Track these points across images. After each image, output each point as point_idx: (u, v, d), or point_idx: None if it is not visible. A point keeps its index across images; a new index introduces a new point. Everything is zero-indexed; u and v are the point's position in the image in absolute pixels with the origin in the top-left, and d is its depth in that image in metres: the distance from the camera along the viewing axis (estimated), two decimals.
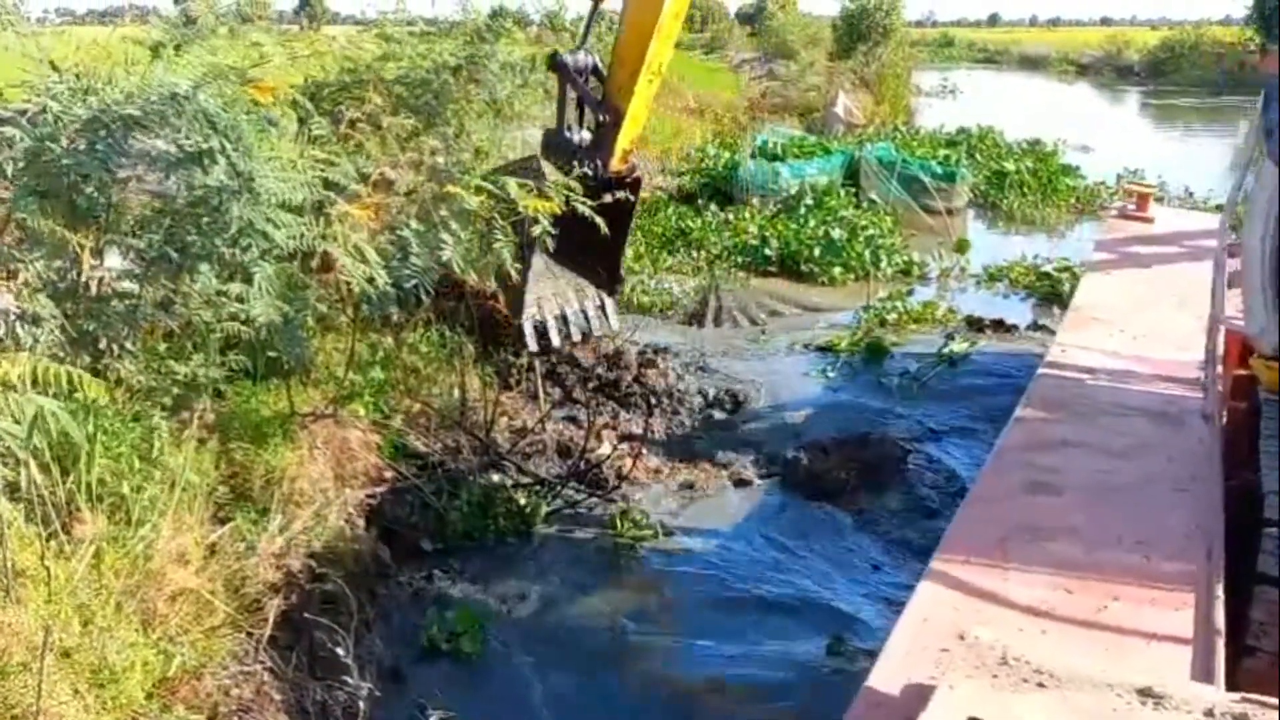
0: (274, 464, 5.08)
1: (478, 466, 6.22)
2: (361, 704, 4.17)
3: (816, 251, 12.04)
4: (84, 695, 3.57)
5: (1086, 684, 2.45)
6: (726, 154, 17.86)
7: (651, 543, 6.03)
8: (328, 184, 5.09)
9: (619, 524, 6.06)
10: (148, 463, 4.52)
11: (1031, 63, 58.78)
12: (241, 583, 4.42)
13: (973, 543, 3.43)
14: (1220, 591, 3.06)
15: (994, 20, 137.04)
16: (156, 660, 3.95)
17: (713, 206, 14.51)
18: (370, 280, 4.61)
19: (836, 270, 11.87)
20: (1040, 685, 2.45)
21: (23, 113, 4.42)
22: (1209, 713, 2.28)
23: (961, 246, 12.90)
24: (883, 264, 12.10)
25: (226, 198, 4.61)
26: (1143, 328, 5.81)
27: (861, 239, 12.40)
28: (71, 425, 3.13)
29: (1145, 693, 2.39)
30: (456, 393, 6.86)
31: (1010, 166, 17.59)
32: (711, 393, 8.44)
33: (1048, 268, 11.87)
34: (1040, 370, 5.29)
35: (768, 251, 12.22)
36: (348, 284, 5.13)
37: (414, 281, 4.83)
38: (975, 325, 10.03)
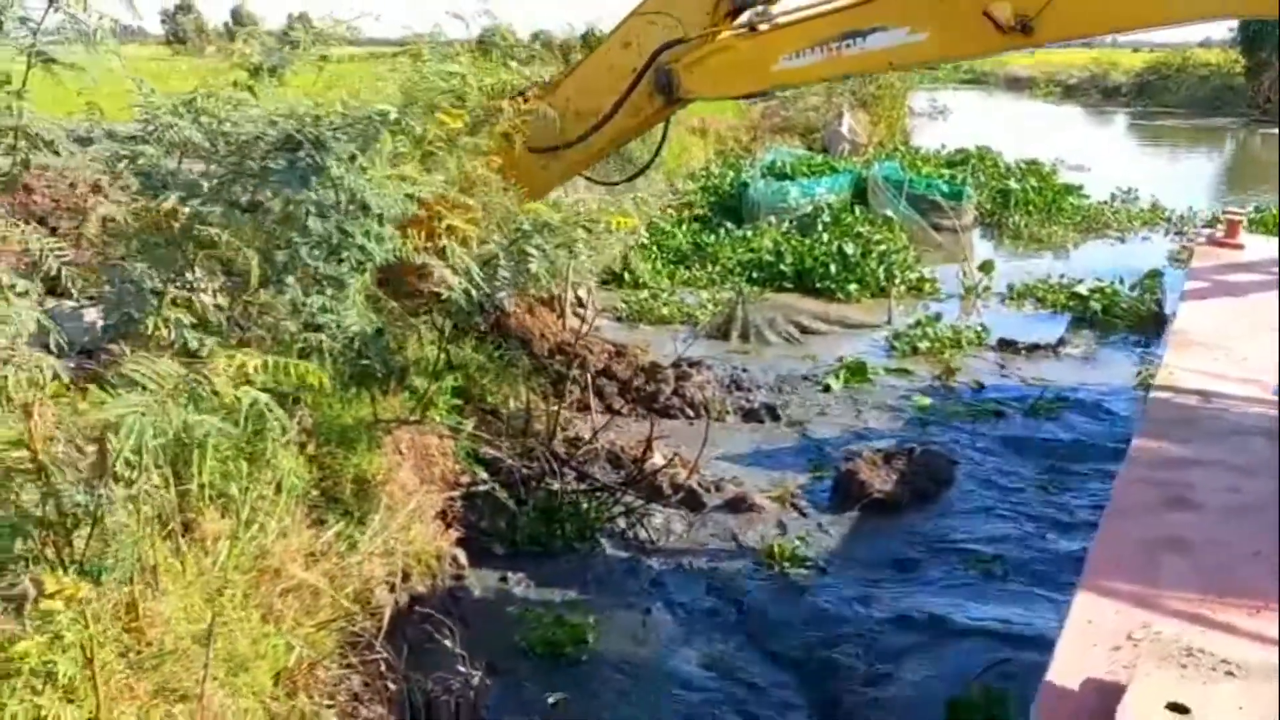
0: (364, 468, 5.28)
1: (542, 474, 6.42)
2: (472, 693, 4.34)
3: (831, 267, 12.32)
4: (223, 681, 3.76)
5: (1272, 675, 2.66)
6: (731, 173, 18.18)
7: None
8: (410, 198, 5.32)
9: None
10: (254, 465, 4.71)
11: (1017, 84, 59.52)
12: (346, 580, 4.61)
13: (1123, 552, 3.63)
14: None
15: None
16: (276, 651, 4.15)
17: (727, 224, 14.79)
18: (466, 292, 4.82)
19: (852, 286, 12.14)
20: (1229, 674, 2.67)
21: (140, 135, 4.63)
22: None
23: (986, 267, 13.16)
24: (896, 279, 12.38)
25: (329, 211, 4.83)
26: (1246, 352, 5.99)
27: (875, 255, 12.68)
28: (283, 417, 3.33)
29: None
30: (511, 403, 7.07)
31: (1014, 186, 17.95)
32: (748, 404, 8.70)
33: (1080, 288, 11.98)
34: (1153, 392, 5.54)
35: (783, 267, 12.50)
36: (435, 294, 5.34)
37: (503, 294, 5.05)
38: (1009, 347, 10.28)
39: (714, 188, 17.23)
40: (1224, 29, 42.08)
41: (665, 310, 11.18)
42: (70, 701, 2.69)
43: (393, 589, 4.82)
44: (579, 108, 6.86)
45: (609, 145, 7.35)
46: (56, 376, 2.95)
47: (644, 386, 8.83)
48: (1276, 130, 33.86)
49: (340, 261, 5.13)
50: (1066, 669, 2.81)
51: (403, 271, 5.82)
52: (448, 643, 4.55)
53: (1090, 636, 2.96)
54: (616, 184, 9.31)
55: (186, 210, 3.92)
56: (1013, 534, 6.54)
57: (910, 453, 7.32)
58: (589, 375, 8.20)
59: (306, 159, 4.02)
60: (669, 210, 15.52)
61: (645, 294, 11.77)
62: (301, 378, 3.36)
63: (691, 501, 6.73)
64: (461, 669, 4.40)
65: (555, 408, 6.95)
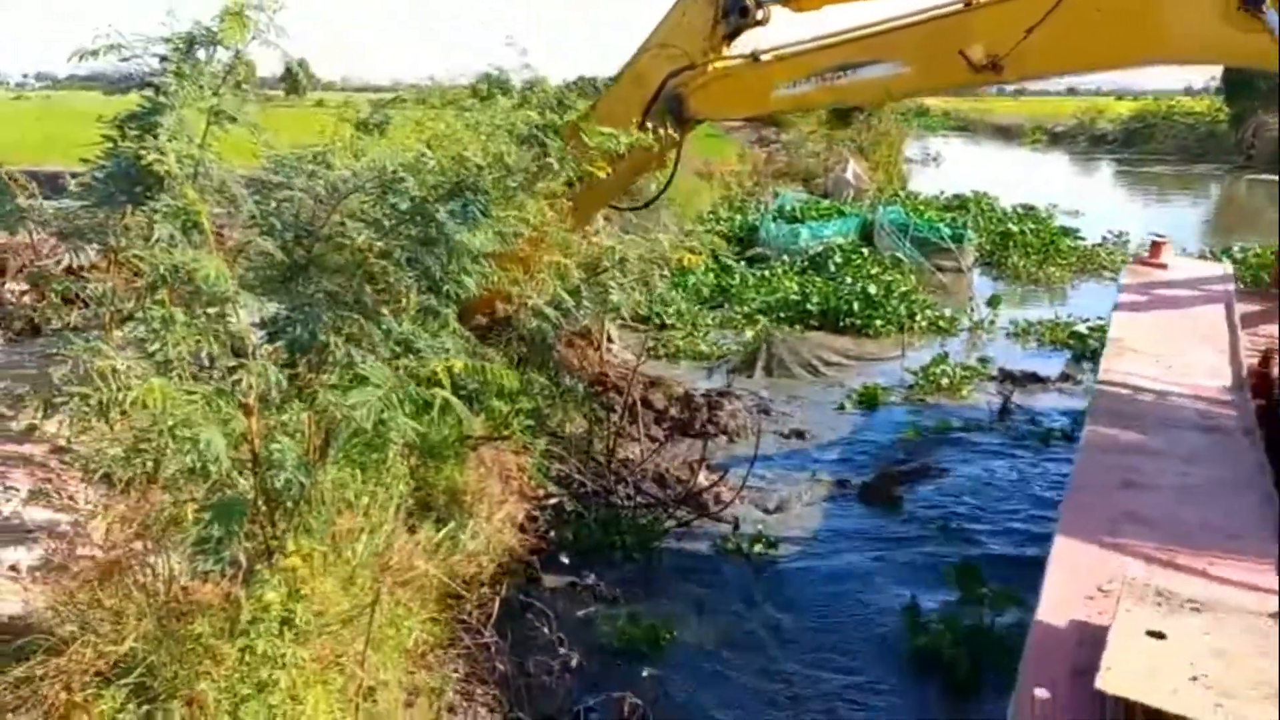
0: (456, 480, 5.85)
1: (604, 490, 6.98)
2: (568, 675, 4.88)
3: (856, 306, 12.99)
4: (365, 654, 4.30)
5: (1233, 610, 3.20)
6: (739, 216, 18.91)
7: (757, 554, 6.83)
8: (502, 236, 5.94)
9: (729, 541, 6.86)
10: (365, 471, 5.27)
11: (1004, 132, 60.91)
12: (453, 576, 5.16)
13: (1088, 523, 4.21)
14: None
15: (961, 90, 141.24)
16: (401, 634, 4.69)
17: (742, 264, 15.45)
18: (551, 321, 5.42)
19: (878, 323, 12.81)
20: (1195, 610, 3.19)
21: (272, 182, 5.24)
22: None
23: (994, 301, 13.87)
24: (917, 318, 13.04)
25: (432, 249, 5.44)
26: (1173, 358, 6.74)
27: (896, 295, 13.36)
28: (466, 413, 3.90)
29: (1274, 615, 3.14)
30: (568, 427, 7.65)
31: (1014, 228, 18.71)
32: (778, 429, 9.31)
33: (1081, 327, 12.66)
34: (1097, 387, 6.26)
35: (810, 306, 13.15)
36: (508, 322, 5.94)
37: (586, 320, 5.64)
38: (1009, 378, 10.94)
39: (721, 231, 17.93)
40: (1206, 76, 43.36)
41: (695, 347, 11.79)
42: (303, 644, 3.24)
43: (492, 585, 5.35)
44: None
45: (630, 175, 7.87)
46: (277, 381, 3.53)
47: (679, 415, 9.44)
48: (1257, 175, 34.90)
49: (439, 294, 5.75)
50: (1052, 612, 3.37)
51: (482, 304, 6.44)
52: (545, 630, 5.07)
53: (1068, 588, 3.52)
54: (639, 208, 9.76)
55: (376, 245, 4.49)
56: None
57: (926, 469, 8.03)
58: (634, 402, 8.78)
59: (478, 203, 4.61)
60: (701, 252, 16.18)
61: (675, 333, 12.39)
62: (495, 377, 3.92)
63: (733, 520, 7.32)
64: (561, 650, 4.93)
65: (613, 430, 7.52)
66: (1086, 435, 5.44)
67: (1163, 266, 9.68)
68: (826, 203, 20.13)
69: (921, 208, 20.30)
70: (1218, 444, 5.22)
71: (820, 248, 15.91)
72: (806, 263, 15.33)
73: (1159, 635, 2.93)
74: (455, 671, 4.82)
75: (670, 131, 7.09)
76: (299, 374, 4.08)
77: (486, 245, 5.65)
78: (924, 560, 6.89)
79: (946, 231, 16.92)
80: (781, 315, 13.08)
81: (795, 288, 14.04)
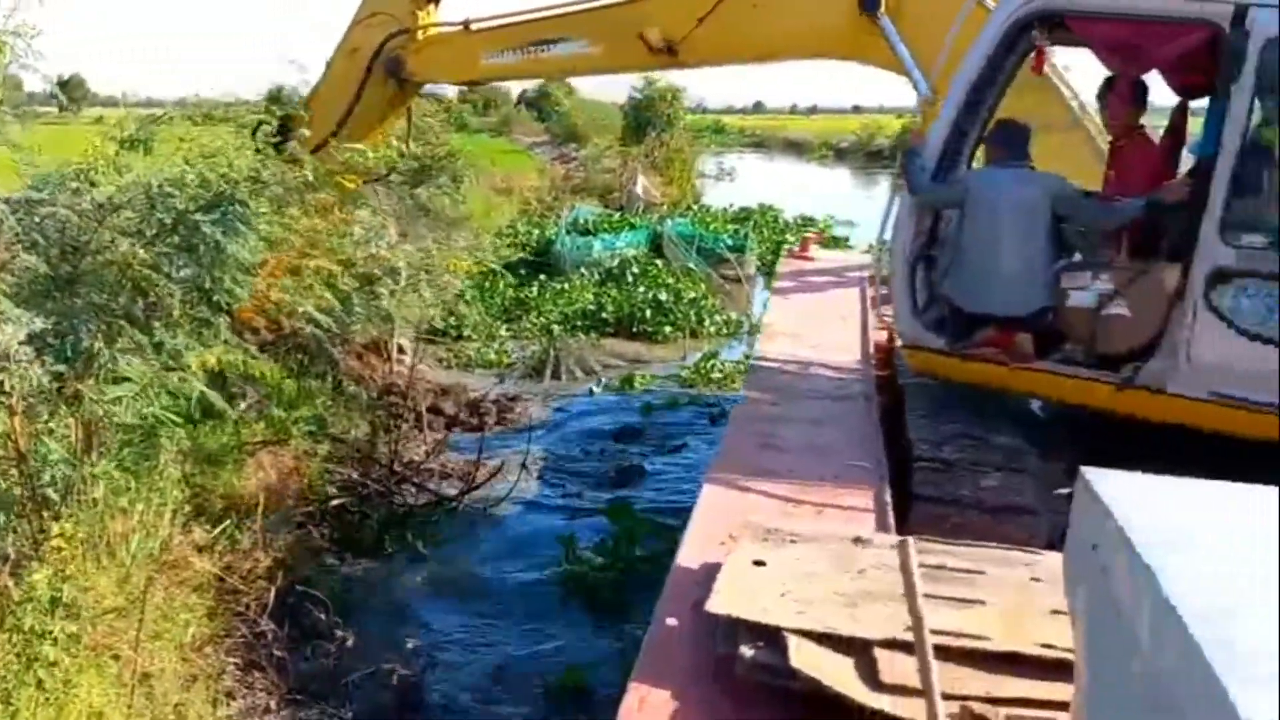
0: (234, 484, 6.08)
1: (385, 490, 7.32)
2: (343, 656, 5.24)
3: (648, 314, 13.73)
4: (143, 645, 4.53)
5: (822, 539, 3.82)
6: (537, 230, 19.46)
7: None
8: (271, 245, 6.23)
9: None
10: (139, 479, 5.46)
11: (795, 147, 64.16)
12: (229, 573, 5.42)
13: (728, 480, 4.84)
14: (888, 498, 4.65)
15: (759, 108, 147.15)
16: (177, 627, 4.92)
17: (541, 277, 15.97)
18: (326, 328, 5.76)
19: (667, 329, 13.58)
20: (793, 541, 3.78)
21: (30, 200, 5.37)
22: (891, 546, 3.67)
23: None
24: (706, 323, 13.89)
25: (206, 262, 5.68)
26: (816, 338, 7.74)
27: (685, 301, 14.18)
28: (221, 401, 4.19)
29: (856, 540, 3.77)
30: (354, 432, 7.95)
31: (791, 239, 20.00)
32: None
33: None
34: (751, 368, 7.22)
35: (605, 315, 13.81)
36: (287, 332, 6.24)
37: (357, 327, 6.00)
38: None
39: (522, 244, 18.43)
40: None
41: (489, 357, 12.22)
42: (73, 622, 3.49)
43: (269, 580, 5.62)
44: (326, 123, 7.71)
45: (364, 136, 8.03)
46: (38, 384, 3.76)
47: (469, 419, 9.86)
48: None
49: (210, 305, 5.98)
50: (688, 556, 3.91)
51: (247, 313, 6.67)
52: (323, 617, 5.40)
53: (705, 535, 4.10)
54: (377, 179, 9.59)
55: (142, 257, 4.70)
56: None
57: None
58: (420, 409, 9.13)
59: (235, 212, 4.89)
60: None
61: (470, 344, 12.74)
62: (252, 371, 4.23)
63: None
64: (337, 633, 5.28)
65: (395, 434, 7.86)
66: (735, 408, 6.30)
67: (810, 259, 11.36)
68: (618, 216, 20.94)
69: (709, 220, 21.39)
70: (843, 410, 6.04)
71: (617, 260, 16.62)
72: (605, 274, 15.99)
73: (761, 564, 3.43)
74: (233, 660, 5.08)
75: (387, 90, 7.54)
76: (66, 383, 4.28)
77: (255, 254, 5.95)
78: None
79: (729, 242, 17.97)
80: (577, 324, 13.67)
81: (591, 298, 14.67)
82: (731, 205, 25.23)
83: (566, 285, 15.47)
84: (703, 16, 6.40)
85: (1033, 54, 5.09)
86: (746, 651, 2.83)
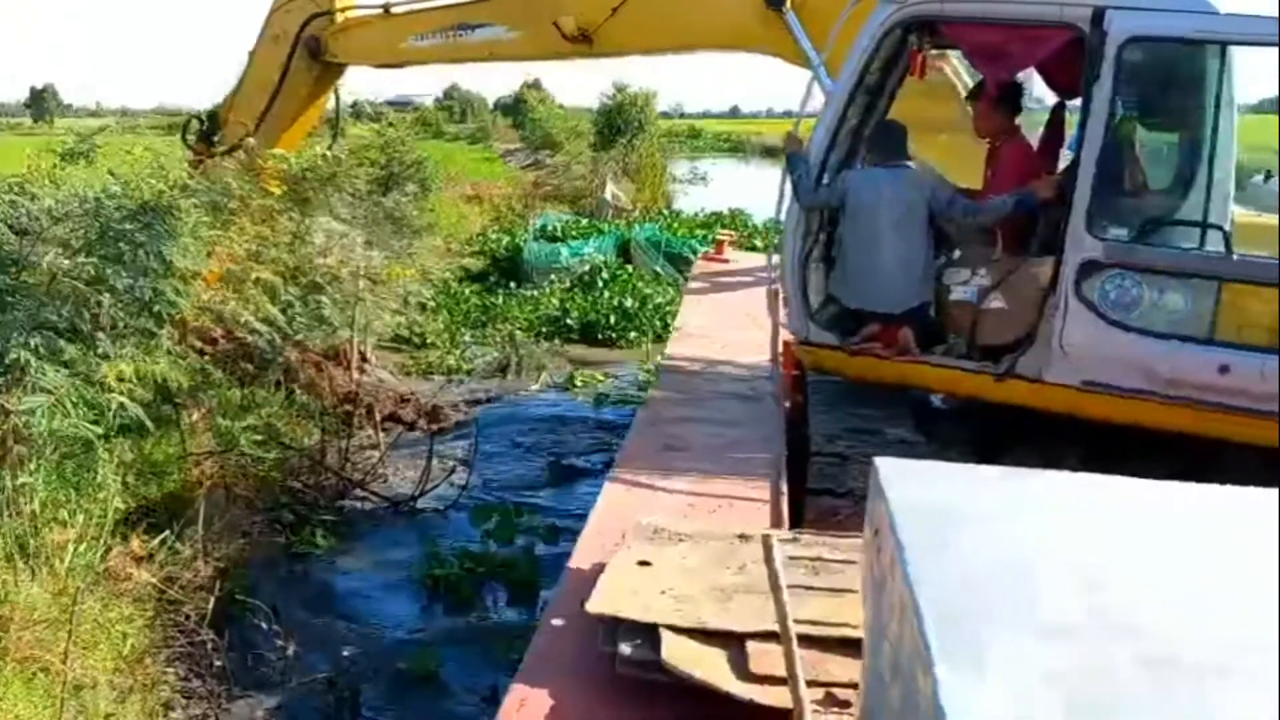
0: (179, 494, 6.08)
1: (335, 495, 7.34)
2: (285, 662, 5.25)
3: (612, 319, 13.77)
4: (76, 656, 4.53)
5: (707, 536, 3.84)
6: (507, 237, 19.48)
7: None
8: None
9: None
10: (79, 490, 5.46)
11: (772, 152, 64.18)
12: (171, 582, 5.43)
13: (630, 481, 4.87)
14: (785, 493, 4.73)
15: (735, 112, 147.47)
16: (114, 638, 4.93)
17: (511, 284, 15.98)
18: (268, 338, 5.77)
19: (632, 334, 13.62)
20: (680, 540, 3.78)
21: None
22: (778, 539, 3.58)
23: None
24: (670, 327, 13.90)
25: (141, 272, 5.69)
26: (727, 338, 7.81)
27: (650, 307, 14.22)
28: (141, 414, 4.20)
29: (740, 537, 3.79)
30: (306, 440, 7.96)
31: (759, 243, 20.08)
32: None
33: None
34: (659, 369, 7.33)
35: (569, 321, 13.84)
36: (237, 340, 6.24)
37: (300, 336, 6.02)
38: None
39: (490, 251, 18.45)
40: None
41: (449, 363, 12.25)
42: None
43: (211, 589, 5.62)
44: (251, 115, 7.78)
45: (290, 124, 8.05)
46: None
47: (425, 425, 9.88)
48: None
49: (151, 315, 5.99)
50: (582, 557, 3.95)
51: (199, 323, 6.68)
52: (264, 625, 5.42)
53: (601, 536, 4.12)
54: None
55: (63, 265, 4.71)
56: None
57: None
58: (377, 417, 9.13)
59: (162, 221, 4.90)
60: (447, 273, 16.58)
61: (433, 352, 12.75)
62: (166, 380, 4.25)
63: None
64: (278, 643, 5.29)
65: (344, 443, 7.87)
66: (641, 410, 6.34)
67: (725, 260, 11.43)
68: (586, 222, 20.96)
69: (678, 226, 21.44)
70: (748, 410, 6.11)
71: (586, 266, 16.62)
72: (576, 281, 16.00)
73: (646, 564, 3.46)
74: (172, 670, 5.08)
75: (311, 73, 7.58)
76: None
77: (197, 261, 5.96)
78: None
79: (697, 247, 18.02)
80: (542, 331, 13.69)
81: (556, 304, 14.69)
82: (703, 210, 25.28)
83: (536, 292, 15.47)
84: (616, 6, 6.51)
85: (914, 57, 5.29)
86: (625, 649, 2.87)
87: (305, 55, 7.59)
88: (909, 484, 1.80)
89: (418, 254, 7.65)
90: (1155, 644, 1.36)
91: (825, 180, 5.34)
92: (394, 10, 7.46)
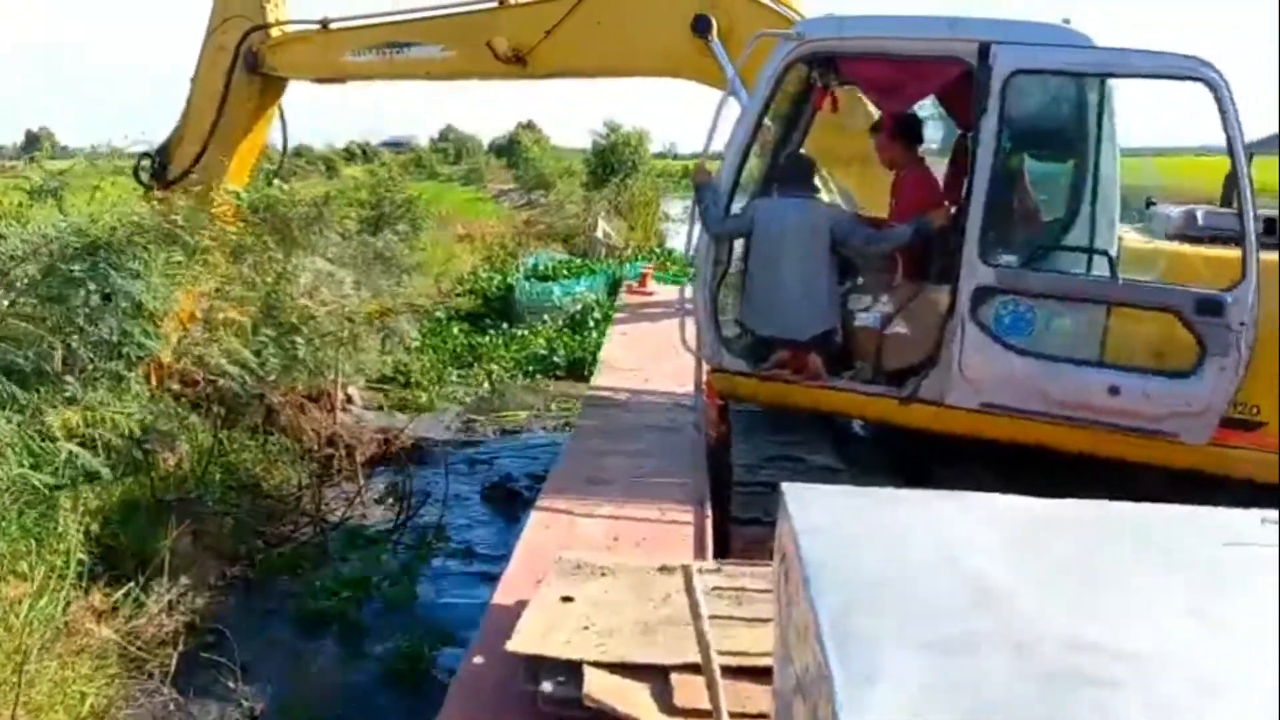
0: (146, 543, 5.85)
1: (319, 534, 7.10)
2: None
3: (597, 357, 13.56)
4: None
5: (629, 569, 3.85)
6: (499, 276, 19.35)
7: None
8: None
9: None
10: (41, 542, 5.23)
11: None
12: (135, 636, 5.18)
13: (551, 517, 4.87)
14: (710, 523, 4.81)
15: None
16: (70, 699, 4.68)
17: (503, 325, 15.83)
18: (242, 381, 5.58)
19: None
20: (603, 574, 3.78)
21: None
22: (699, 570, 3.59)
23: None
24: None
25: (107, 313, 5.51)
26: (651, 370, 7.79)
27: None
28: (93, 461, 3.99)
29: (663, 569, 3.81)
30: (283, 485, 7.73)
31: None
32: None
33: None
34: (585, 402, 7.30)
35: (556, 359, 13.67)
36: (211, 383, 6.05)
37: (273, 377, 5.83)
38: None
39: (482, 290, 18.30)
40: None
41: (426, 401, 12.09)
42: None
43: (174, 645, 5.36)
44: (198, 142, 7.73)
45: (238, 142, 7.99)
46: None
47: (406, 462, 9.68)
48: None
49: (120, 358, 5.80)
50: (505, 592, 3.94)
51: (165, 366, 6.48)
52: (229, 684, 5.17)
53: (523, 573, 4.11)
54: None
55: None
56: None
57: None
58: (357, 462, 8.93)
59: (105, 262, 4.73)
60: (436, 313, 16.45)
61: (419, 391, 12.56)
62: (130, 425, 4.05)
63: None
64: (244, 703, 5.04)
65: (315, 489, 7.64)
66: (566, 443, 6.33)
67: (649, 293, 11.75)
68: (579, 261, 20.84)
69: (670, 264, 21.33)
70: (671, 441, 6.16)
71: (578, 305, 16.44)
72: (566, 319, 15.82)
73: (568, 599, 3.46)
74: None
75: (251, 85, 7.59)
76: None
77: (166, 302, 5.78)
78: None
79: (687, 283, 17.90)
80: (528, 369, 13.51)
81: (544, 343, 14.52)
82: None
83: (526, 332, 15.30)
84: (549, 30, 6.55)
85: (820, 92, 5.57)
86: (547, 687, 2.89)
87: (244, 70, 7.62)
88: (813, 508, 1.87)
89: (406, 293, 7.43)
90: (1050, 657, 1.42)
91: (736, 210, 5.47)
92: (331, 26, 7.50)
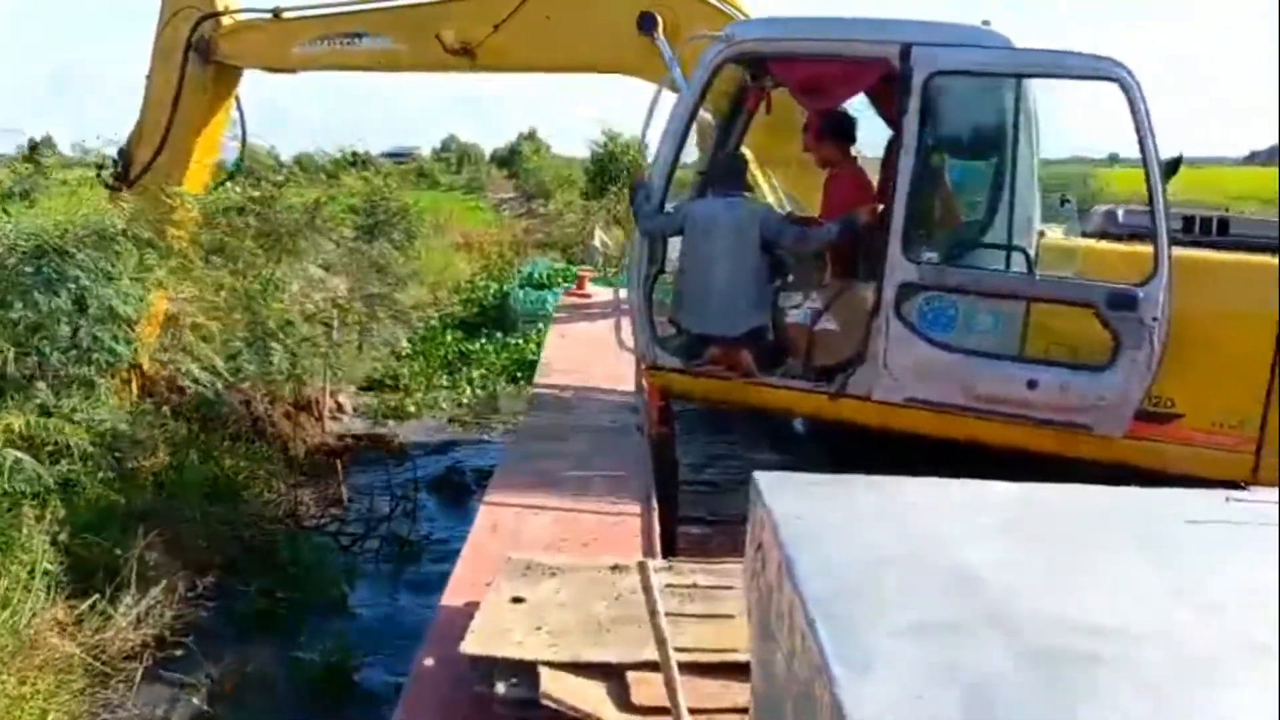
0: (116, 553, 5.71)
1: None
2: None
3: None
4: None
5: (580, 569, 3.80)
6: (495, 285, 19.24)
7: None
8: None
9: None
10: (6, 554, 5.10)
11: None
12: (101, 650, 5.04)
13: (496, 520, 4.80)
14: (656, 524, 4.75)
15: None
16: (30, 716, 4.54)
17: (497, 333, 15.73)
18: (214, 388, 5.45)
19: None
20: (553, 575, 3.72)
21: None
22: (656, 568, 3.45)
23: None
24: None
25: (76, 318, 5.39)
26: (592, 372, 7.76)
27: None
28: (39, 469, 3.86)
29: (614, 568, 3.76)
30: (265, 492, 7.60)
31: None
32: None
33: None
34: (527, 404, 7.31)
35: None
36: (182, 390, 5.93)
37: (248, 383, 5.70)
38: None
39: (477, 299, 18.19)
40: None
41: (414, 407, 12.01)
42: None
43: (139, 660, 5.22)
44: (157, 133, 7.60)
45: (194, 137, 7.83)
46: None
47: (391, 466, 9.59)
48: None
49: (90, 364, 5.67)
50: (453, 596, 3.88)
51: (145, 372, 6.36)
52: (194, 701, 5.03)
53: (471, 575, 4.04)
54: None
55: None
56: None
57: None
58: (339, 468, 8.80)
59: (51, 266, 4.60)
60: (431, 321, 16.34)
61: (408, 397, 12.46)
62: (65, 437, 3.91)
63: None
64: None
65: (294, 495, 7.51)
66: (508, 444, 6.33)
67: (587, 295, 11.75)
68: (574, 269, 20.72)
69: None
70: (614, 441, 6.16)
71: None
72: None
73: (520, 600, 3.43)
74: None
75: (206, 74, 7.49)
76: None
77: (137, 309, 5.66)
78: None
79: None
80: (517, 375, 13.40)
81: (534, 349, 14.39)
82: None
83: (520, 339, 15.19)
84: (498, 24, 6.55)
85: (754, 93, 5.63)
86: (501, 688, 2.85)
87: (198, 60, 7.53)
88: (789, 496, 1.89)
89: (400, 302, 7.28)
90: (1040, 636, 1.44)
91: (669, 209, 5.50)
92: (283, 15, 7.45)
